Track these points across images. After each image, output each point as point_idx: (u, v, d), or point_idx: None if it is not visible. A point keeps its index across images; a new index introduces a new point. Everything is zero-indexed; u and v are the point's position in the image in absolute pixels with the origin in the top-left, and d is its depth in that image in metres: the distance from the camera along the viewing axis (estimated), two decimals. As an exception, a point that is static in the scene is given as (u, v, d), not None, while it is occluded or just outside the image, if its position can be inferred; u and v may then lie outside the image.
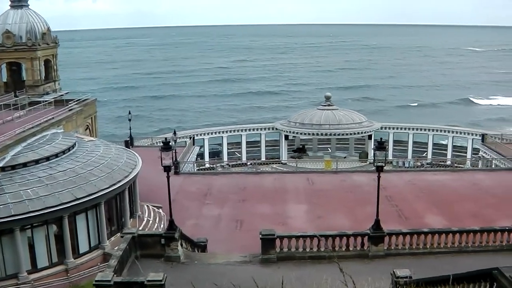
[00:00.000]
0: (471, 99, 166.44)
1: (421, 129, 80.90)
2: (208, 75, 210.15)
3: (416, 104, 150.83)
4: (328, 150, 79.54)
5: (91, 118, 56.77)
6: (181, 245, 25.33)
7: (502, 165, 61.10)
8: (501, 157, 62.50)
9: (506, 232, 27.46)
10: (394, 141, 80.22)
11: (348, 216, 40.45)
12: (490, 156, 65.56)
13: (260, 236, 25.19)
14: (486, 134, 71.89)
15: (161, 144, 25.45)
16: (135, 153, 41.30)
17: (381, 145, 25.21)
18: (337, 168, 60.91)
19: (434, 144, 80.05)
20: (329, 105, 76.31)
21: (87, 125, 55.30)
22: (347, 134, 73.73)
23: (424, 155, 78.70)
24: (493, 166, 62.98)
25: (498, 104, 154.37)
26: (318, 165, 65.95)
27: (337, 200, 45.93)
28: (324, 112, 74.36)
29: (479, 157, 69.70)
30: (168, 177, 24.66)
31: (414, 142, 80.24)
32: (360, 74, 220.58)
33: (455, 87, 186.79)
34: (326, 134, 73.61)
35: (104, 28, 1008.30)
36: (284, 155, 74.85)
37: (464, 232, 27.16)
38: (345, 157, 74.25)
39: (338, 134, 73.38)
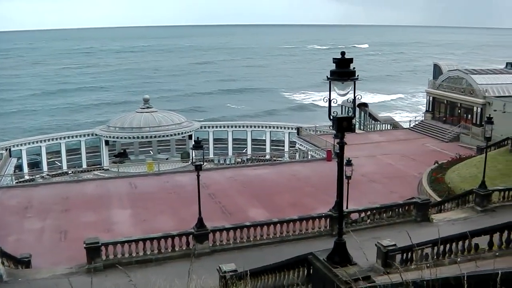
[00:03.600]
0: (286, 95, 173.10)
1: (239, 126, 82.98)
2: (26, 88, 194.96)
3: (234, 106, 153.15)
4: (150, 153, 79.24)
5: None
6: (3, 263, 24.27)
7: (317, 155, 64.31)
8: (316, 148, 65.69)
9: (323, 218, 29.15)
10: (215, 139, 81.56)
11: (173, 217, 40.69)
12: (306, 148, 68.74)
13: (85, 245, 24.80)
14: (301, 127, 75.09)
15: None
16: None
17: (198, 144, 25.79)
18: (159, 170, 61.10)
19: (253, 140, 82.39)
20: (147, 107, 75.76)
21: None
22: (167, 136, 73.79)
23: (244, 151, 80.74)
24: (309, 157, 66.14)
25: (312, 101, 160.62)
26: (141, 169, 65.57)
27: (161, 202, 46.08)
28: (143, 114, 73.74)
29: (296, 149, 72.83)
30: (-19, 193, 23.48)
31: (234, 139, 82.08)
32: (186, 78, 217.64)
33: (269, 85, 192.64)
34: (146, 137, 73.14)
35: None
36: (105, 161, 73.44)
37: (285, 222, 28.49)
38: (167, 159, 74.37)
39: (159, 136, 73.27)
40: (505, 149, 47.26)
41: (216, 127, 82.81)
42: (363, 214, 30.15)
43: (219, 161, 72.18)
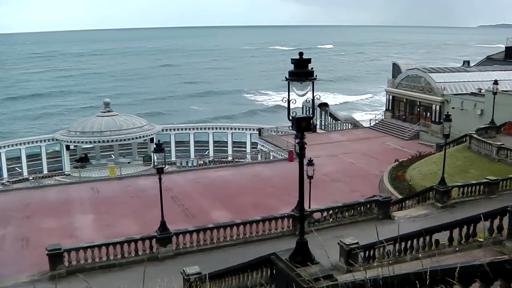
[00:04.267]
0: (249, 97, 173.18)
1: (201, 128, 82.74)
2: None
3: (196, 107, 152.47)
4: (112, 157, 78.39)
5: None
6: (-38, 272, 23.91)
7: (279, 156, 64.53)
8: (278, 149, 65.90)
9: (286, 219, 29.26)
10: (176, 142, 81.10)
11: (136, 221, 40.45)
12: (268, 148, 68.91)
13: (47, 252, 24.50)
14: (263, 128, 75.24)
15: None
16: None
17: (159, 147, 25.79)
18: (121, 174, 60.64)
19: (215, 142, 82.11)
20: (108, 111, 74.79)
21: None
22: (129, 139, 73.04)
23: (206, 153, 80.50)
24: (271, 158, 66.32)
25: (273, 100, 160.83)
26: (102, 173, 64.84)
27: (124, 206, 45.80)
28: (104, 118, 72.81)
29: (258, 150, 72.92)
30: None
31: (195, 142, 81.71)
32: (152, 81, 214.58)
33: (232, 87, 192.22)
34: (107, 141, 72.26)
35: None
36: (66, 166, 72.44)
37: (248, 223, 28.53)
38: (129, 163, 73.71)
39: (120, 140, 72.45)
40: (464, 146, 48.00)
41: (178, 129, 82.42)
42: (325, 213, 30.36)
43: (181, 163, 71.72)
